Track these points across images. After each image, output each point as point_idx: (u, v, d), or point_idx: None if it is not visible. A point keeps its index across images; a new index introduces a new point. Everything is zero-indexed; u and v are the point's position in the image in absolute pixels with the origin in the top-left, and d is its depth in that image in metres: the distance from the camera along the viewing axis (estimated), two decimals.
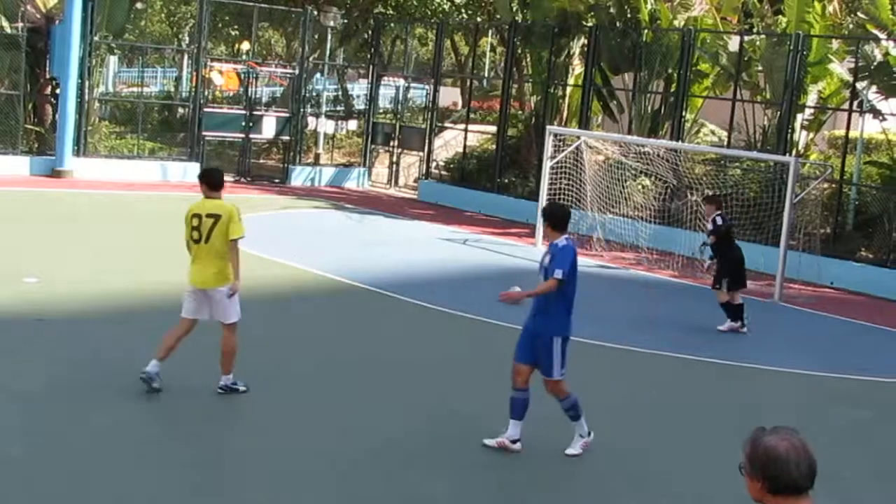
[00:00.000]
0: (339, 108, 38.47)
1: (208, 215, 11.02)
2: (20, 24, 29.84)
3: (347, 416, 11.06)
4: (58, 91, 29.51)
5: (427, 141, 33.31)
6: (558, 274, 9.90)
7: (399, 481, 9.43)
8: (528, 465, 10.09)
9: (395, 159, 34.89)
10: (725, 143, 27.50)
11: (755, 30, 29.05)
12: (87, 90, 29.77)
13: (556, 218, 10.30)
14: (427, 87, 36.49)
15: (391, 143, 34.82)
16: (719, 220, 17.16)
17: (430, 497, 9.25)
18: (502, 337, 15.47)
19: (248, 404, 11.21)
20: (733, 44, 27.32)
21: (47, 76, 30.23)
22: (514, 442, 10.21)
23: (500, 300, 10.31)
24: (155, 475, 9.05)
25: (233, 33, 44.00)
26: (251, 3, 33.62)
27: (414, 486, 9.40)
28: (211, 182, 11.19)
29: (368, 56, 36.36)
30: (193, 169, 31.08)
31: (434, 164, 33.47)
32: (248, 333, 14.27)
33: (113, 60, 42.15)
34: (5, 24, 29.67)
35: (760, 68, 26.95)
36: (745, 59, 26.67)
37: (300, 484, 9.14)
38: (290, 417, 10.92)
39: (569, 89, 30.72)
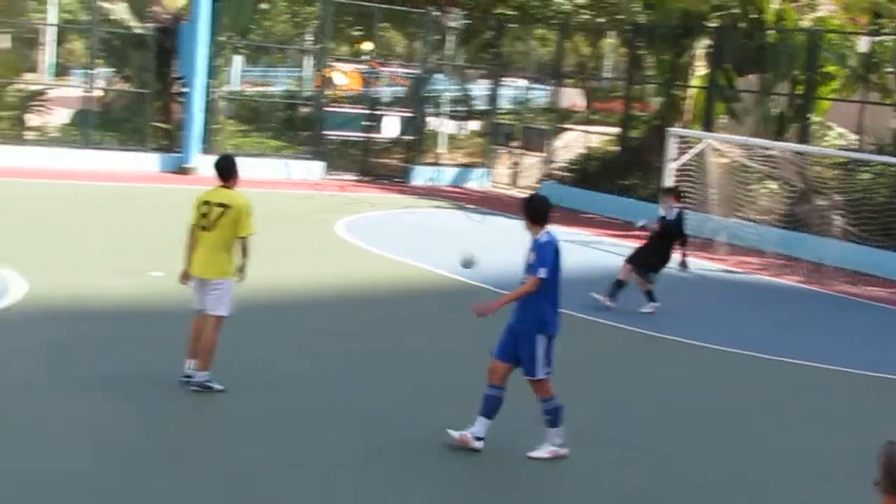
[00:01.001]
0: (460, 109, 38.55)
1: (218, 204, 10.84)
2: (149, 25, 30.44)
3: (442, 412, 10.85)
4: (185, 90, 30.03)
5: (548, 142, 33.18)
6: (542, 273, 9.55)
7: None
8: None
9: (516, 160, 34.82)
10: (854, 146, 26.90)
11: (885, 30, 28.38)
12: (212, 89, 30.23)
13: (536, 211, 9.83)
14: (548, 87, 36.34)
15: (512, 144, 34.75)
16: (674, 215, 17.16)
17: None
18: (616, 338, 15.35)
19: (343, 398, 11.22)
20: (862, 45, 26.72)
21: (175, 75, 30.76)
22: (477, 439, 9.81)
23: (472, 312, 9.80)
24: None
25: (354, 34, 44.34)
26: (373, 4, 33.81)
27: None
28: (220, 171, 11.03)
29: (489, 56, 36.32)
30: (317, 168, 31.43)
31: (556, 165, 33.32)
32: (357, 328, 14.39)
33: (238, 60, 42.76)
34: (135, 23, 30.27)
35: (890, 70, 26.30)
36: (875, 60, 26.05)
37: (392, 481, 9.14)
38: (388, 410, 10.90)
39: (692, 91, 30.34)
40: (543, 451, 9.85)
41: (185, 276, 11.07)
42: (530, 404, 9.90)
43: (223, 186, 11.03)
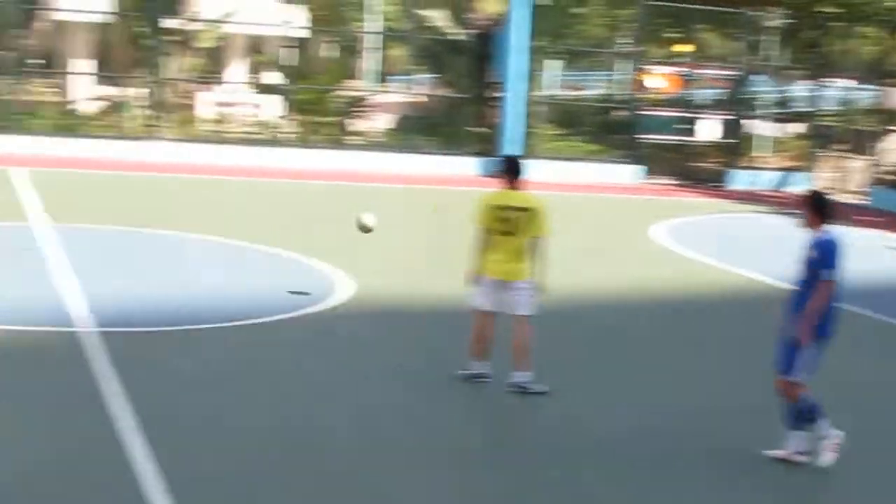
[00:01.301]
0: (780, 111, 37.47)
1: (518, 208, 10.73)
2: (466, 31, 31.00)
3: (754, 425, 10.21)
4: (501, 94, 30.39)
5: (876, 144, 31.80)
6: (829, 275, 8.97)
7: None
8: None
9: (841, 164, 33.51)
10: None
11: None
12: (529, 94, 30.45)
13: (819, 206, 9.26)
14: (875, 87, 34.87)
15: (837, 147, 33.49)
16: None
17: None
18: None
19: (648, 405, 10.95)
20: None
21: (491, 80, 31.17)
22: (799, 454, 9.30)
23: (805, 344, 9.05)
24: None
25: (670, 36, 43.78)
26: (689, 6, 33.26)
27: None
28: (513, 172, 10.92)
29: (812, 56, 35.11)
30: (633, 171, 31.19)
31: (884, 168, 31.87)
32: (667, 333, 14.09)
33: (553, 64, 43.02)
34: (453, 30, 30.89)
35: None
36: None
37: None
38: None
39: None
40: (826, 456, 9.23)
41: (477, 279, 11.07)
42: (836, 414, 9.39)
43: (512, 188, 10.97)
